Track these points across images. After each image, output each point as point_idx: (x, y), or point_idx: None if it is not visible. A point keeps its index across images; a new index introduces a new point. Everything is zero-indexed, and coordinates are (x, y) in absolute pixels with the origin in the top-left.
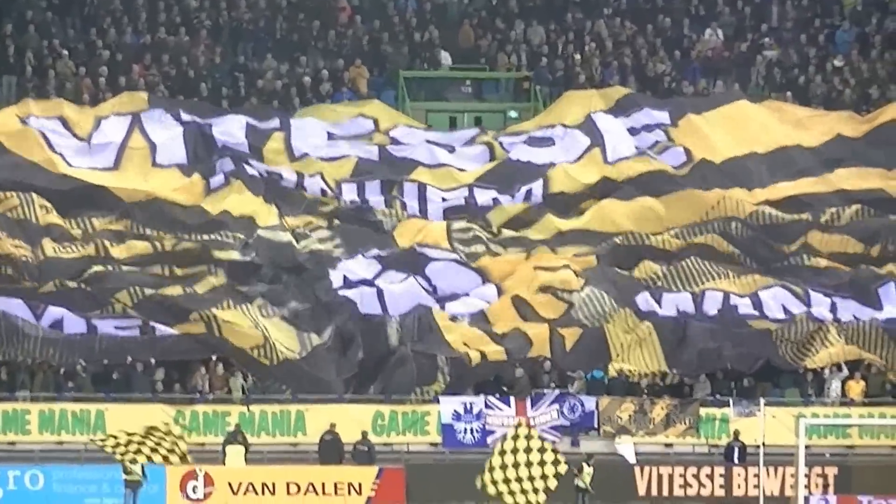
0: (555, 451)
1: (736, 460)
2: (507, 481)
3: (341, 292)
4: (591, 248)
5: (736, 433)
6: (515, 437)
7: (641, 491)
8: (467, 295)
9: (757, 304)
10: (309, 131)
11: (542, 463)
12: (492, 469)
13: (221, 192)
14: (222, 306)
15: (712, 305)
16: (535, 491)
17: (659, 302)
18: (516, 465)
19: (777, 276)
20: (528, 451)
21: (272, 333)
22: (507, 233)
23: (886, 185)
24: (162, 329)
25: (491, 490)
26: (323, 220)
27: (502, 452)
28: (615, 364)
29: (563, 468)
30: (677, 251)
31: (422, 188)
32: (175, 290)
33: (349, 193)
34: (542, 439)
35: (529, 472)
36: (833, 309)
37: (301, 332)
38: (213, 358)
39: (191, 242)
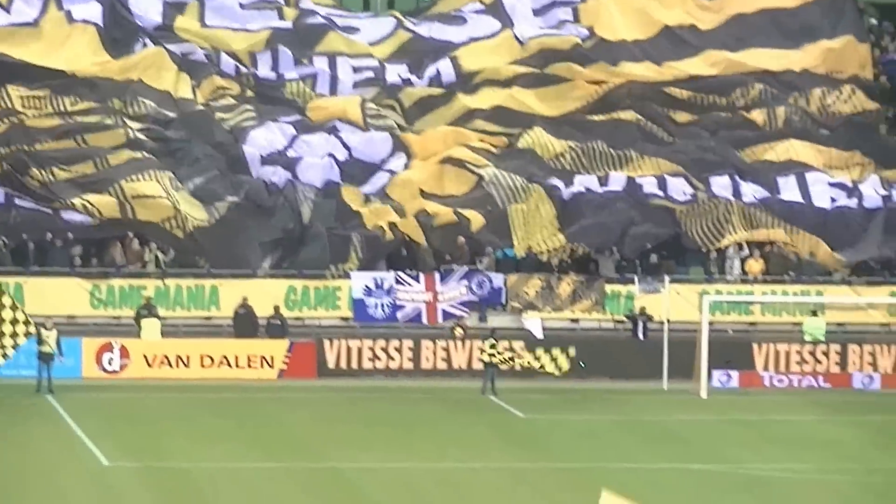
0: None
1: (640, 335)
2: None
3: (254, 167)
4: (502, 127)
5: (641, 309)
6: None
7: None
8: (379, 169)
9: (661, 184)
10: (223, 2)
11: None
12: None
13: (138, 63)
14: (134, 179)
15: (617, 184)
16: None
17: (566, 181)
18: None
19: (681, 158)
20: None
21: (182, 205)
22: (417, 111)
23: (788, 65)
24: (75, 205)
25: None
26: (236, 92)
27: None
28: (521, 242)
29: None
30: (585, 132)
31: (332, 61)
32: (87, 168)
33: (264, 66)
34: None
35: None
36: (735, 191)
37: (209, 203)
38: (129, 234)
39: (105, 114)
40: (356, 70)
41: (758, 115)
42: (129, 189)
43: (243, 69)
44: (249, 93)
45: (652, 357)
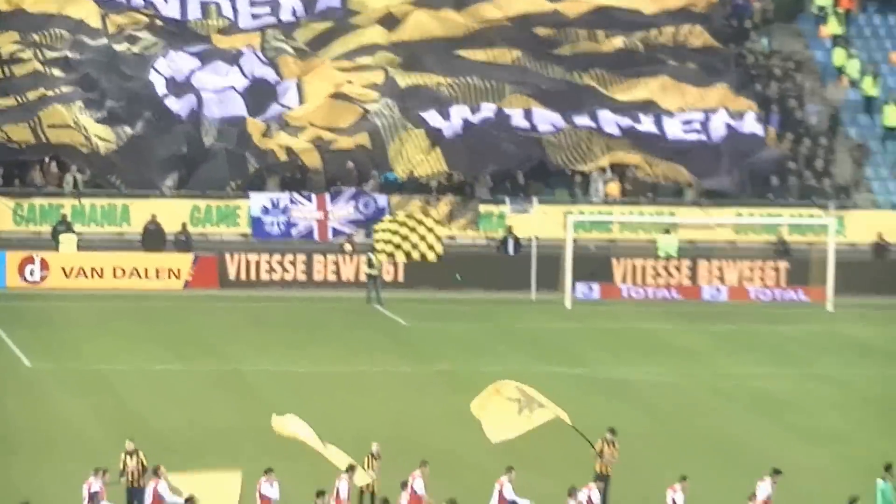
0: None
1: (511, 252)
2: None
3: (162, 95)
4: (388, 63)
5: (509, 228)
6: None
7: None
8: (276, 100)
9: (528, 116)
10: None
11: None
12: None
13: None
14: (48, 108)
15: (489, 114)
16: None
17: (443, 113)
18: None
19: (547, 92)
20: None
21: (91, 131)
22: (311, 46)
23: (643, 4)
24: None
25: None
26: (144, 23)
27: None
28: (403, 168)
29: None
30: (461, 67)
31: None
32: (9, 102)
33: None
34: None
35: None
36: (596, 122)
37: (115, 127)
38: (47, 158)
39: (21, 45)
40: (254, 4)
41: (616, 51)
42: (45, 118)
43: (151, 1)
44: (158, 22)
45: (521, 271)
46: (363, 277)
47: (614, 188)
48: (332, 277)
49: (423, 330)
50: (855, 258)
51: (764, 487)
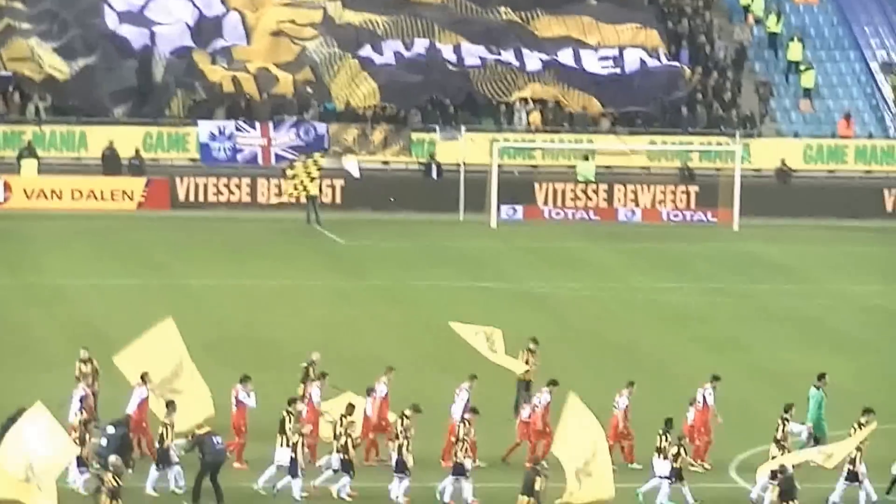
0: None
1: (433, 176)
2: None
3: (114, 27)
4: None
5: (432, 154)
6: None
7: None
8: (221, 35)
9: (457, 52)
10: None
11: None
12: None
13: None
14: (10, 42)
15: (421, 50)
16: None
17: (378, 49)
18: None
19: (475, 29)
20: None
21: (47, 60)
22: None
23: None
24: None
25: None
26: None
27: None
28: (340, 98)
29: None
30: (395, 6)
31: None
32: None
33: None
34: None
35: None
36: (520, 58)
37: (70, 59)
38: (10, 87)
39: None
40: None
41: None
42: (6, 51)
43: None
44: None
45: (450, 194)
46: (303, 200)
47: (536, 118)
48: (274, 199)
49: (359, 248)
50: (759, 183)
51: (706, 394)
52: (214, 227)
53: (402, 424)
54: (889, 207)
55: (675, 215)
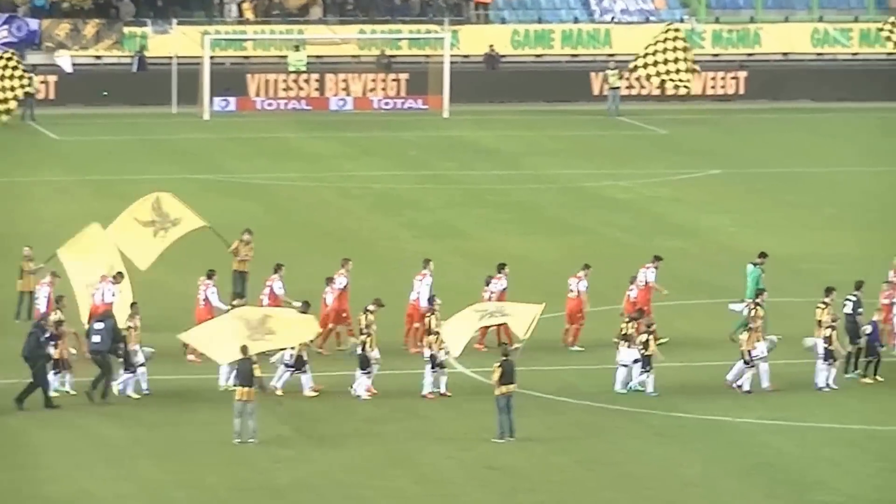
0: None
1: (136, 69)
2: None
3: None
4: None
5: (142, 47)
6: None
7: None
8: None
9: None
10: None
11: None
12: None
13: None
14: None
15: None
16: None
17: None
18: None
19: None
20: None
21: None
22: None
23: None
24: None
25: None
26: None
27: None
28: None
29: None
30: None
31: None
32: None
33: None
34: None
35: None
36: None
37: None
38: None
39: None
40: None
41: None
42: None
43: None
44: None
45: (162, 86)
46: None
47: (248, 9)
48: None
49: (74, 143)
50: (468, 69)
51: (648, 273)
52: None
53: (365, 320)
54: (595, 90)
55: (386, 103)
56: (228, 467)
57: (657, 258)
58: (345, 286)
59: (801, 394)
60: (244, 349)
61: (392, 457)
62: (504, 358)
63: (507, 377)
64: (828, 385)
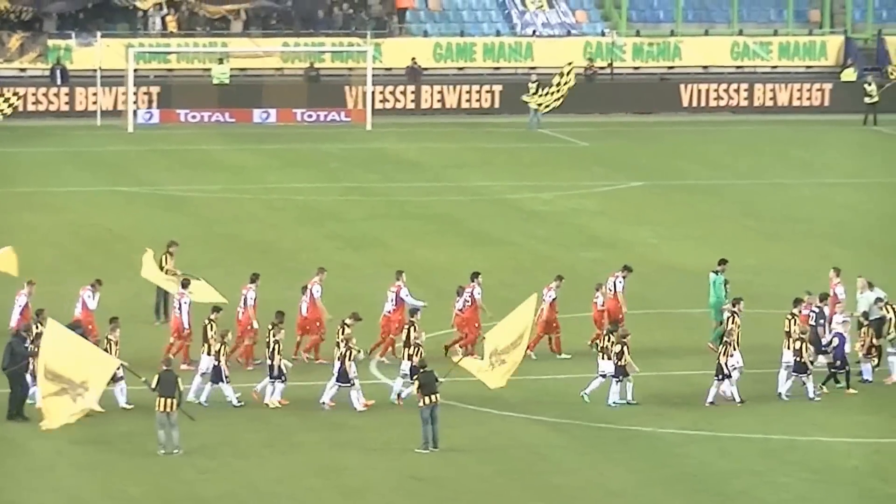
0: None
1: (59, 81)
2: None
3: None
4: None
5: (58, 59)
6: None
7: None
8: None
9: None
10: None
11: None
12: None
13: None
14: None
15: None
16: None
17: None
18: None
19: None
20: None
21: None
22: None
23: None
24: None
25: None
26: None
27: None
28: None
29: None
30: None
31: None
32: None
33: None
34: None
35: None
36: None
37: None
38: None
39: None
40: None
41: None
42: None
43: None
44: None
45: (85, 99)
46: None
47: (172, 22)
48: None
49: None
50: (391, 82)
51: (617, 282)
52: None
53: (342, 333)
54: (506, 102)
55: (309, 115)
56: (153, 478)
57: (627, 268)
58: (319, 294)
59: (723, 405)
60: (167, 361)
61: (317, 467)
62: (422, 370)
63: (427, 388)
64: (785, 394)
